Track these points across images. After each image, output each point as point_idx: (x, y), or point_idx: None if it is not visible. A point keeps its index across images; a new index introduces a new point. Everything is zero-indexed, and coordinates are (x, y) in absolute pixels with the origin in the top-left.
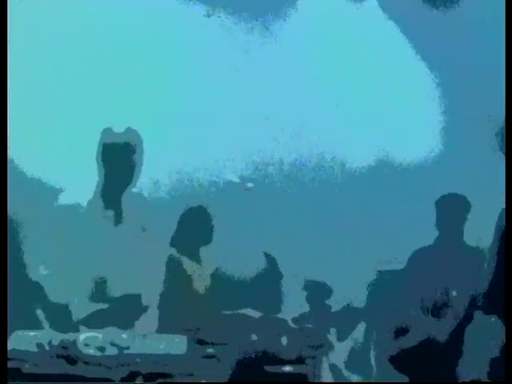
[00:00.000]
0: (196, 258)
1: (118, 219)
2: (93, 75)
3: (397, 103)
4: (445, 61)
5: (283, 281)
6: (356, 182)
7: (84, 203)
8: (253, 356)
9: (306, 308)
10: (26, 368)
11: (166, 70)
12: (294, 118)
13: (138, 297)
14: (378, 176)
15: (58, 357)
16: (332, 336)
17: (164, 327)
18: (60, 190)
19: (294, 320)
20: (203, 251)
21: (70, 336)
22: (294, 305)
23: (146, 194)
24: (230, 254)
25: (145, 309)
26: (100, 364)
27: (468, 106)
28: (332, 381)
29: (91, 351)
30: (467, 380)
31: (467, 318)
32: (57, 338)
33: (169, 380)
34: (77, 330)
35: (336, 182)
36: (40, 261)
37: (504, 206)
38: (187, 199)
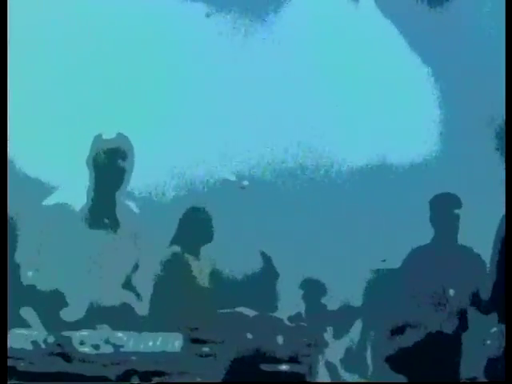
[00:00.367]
0: (191, 257)
1: (112, 220)
2: (93, 75)
3: (396, 103)
4: (444, 61)
5: (279, 279)
6: (354, 181)
7: (76, 205)
8: (248, 355)
9: (302, 307)
10: (22, 366)
11: (164, 68)
12: (293, 117)
13: (134, 295)
14: (375, 176)
15: (53, 355)
16: (328, 335)
17: (159, 325)
18: (54, 190)
19: (290, 319)
20: (199, 250)
21: (65, 334)
22: (289, 303)
23: (139, 193)
24: (226, 253)
25: (140, 307)
26: (95, 362)
27: (468, 106)
28: (328, 380)
29: (86, 349)
30: (464, 379)
31: (464, 317)
32: (52, 336)
33: (164, 378)
34: (72, 329)
35: (333, 182)
36: (33, 260)
37: (504, 207)
38: (182, 198)
